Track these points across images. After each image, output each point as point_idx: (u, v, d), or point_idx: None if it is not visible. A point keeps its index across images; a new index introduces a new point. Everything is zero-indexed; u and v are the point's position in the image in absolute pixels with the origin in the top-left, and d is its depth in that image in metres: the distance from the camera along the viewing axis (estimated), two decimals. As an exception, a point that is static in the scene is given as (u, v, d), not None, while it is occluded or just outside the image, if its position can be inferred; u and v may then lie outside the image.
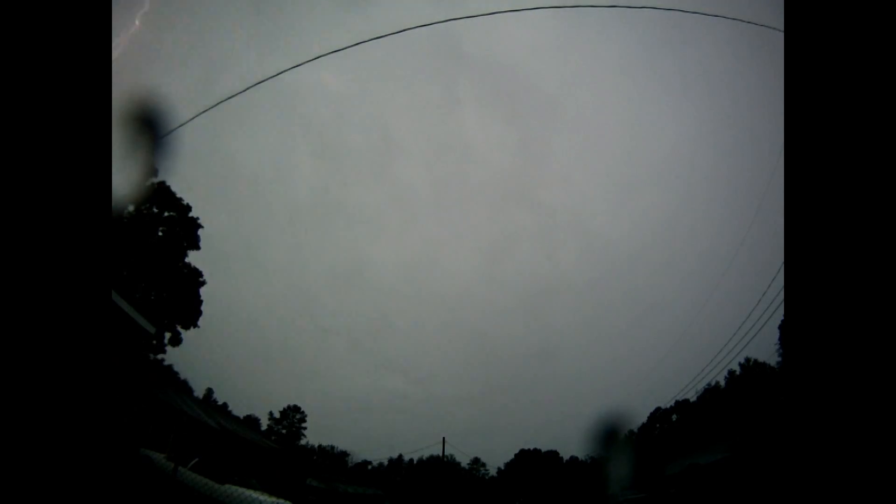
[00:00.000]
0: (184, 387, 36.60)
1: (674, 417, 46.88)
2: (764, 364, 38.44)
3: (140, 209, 24.95)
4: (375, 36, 6.82)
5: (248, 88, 6.87)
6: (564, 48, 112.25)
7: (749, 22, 7.50)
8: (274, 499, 10.83)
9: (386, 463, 68.96)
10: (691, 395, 35.47)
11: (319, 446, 63.86)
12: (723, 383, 41.09)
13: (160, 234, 26.06)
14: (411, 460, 66.36)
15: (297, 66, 6.95)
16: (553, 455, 65.10)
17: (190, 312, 27.12)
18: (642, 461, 32.45)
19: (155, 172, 20.61)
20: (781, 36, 2.44)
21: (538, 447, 65.97)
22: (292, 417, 60.77)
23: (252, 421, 55.42)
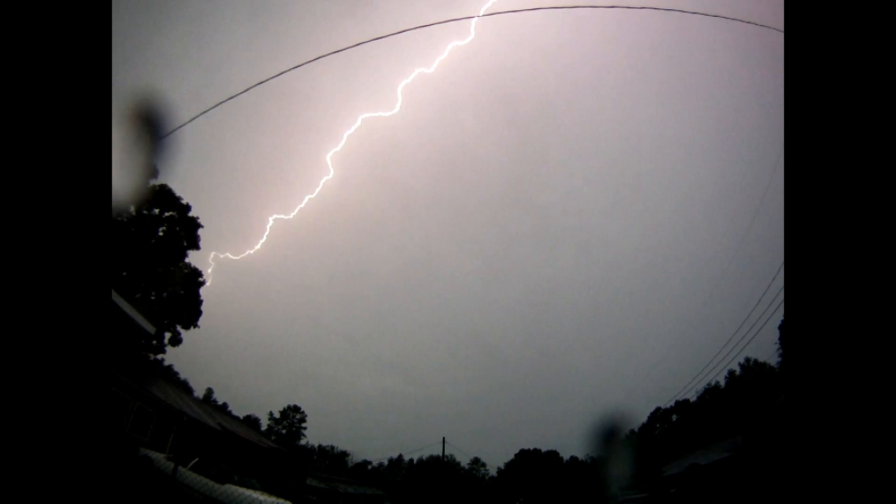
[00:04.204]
0: (184, 387, 36.65)
1: (674, 417, 46.92)
2: (764, 364, 38.53)
3: (140, 210, 24.94)
4: (375, 37, 6.82)
5: (248, 89, 6.88)
6: (563, 50, 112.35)
7: (749, 22, 7.50)
8: (274, 499, 10.84)
9: (386, 463, 69.03)
10: (691, 395, 35.58)
11: (319, 446, 63.94)
12: (723, 383, 41.16)
13: (160, 234, 26.05)
14: (411, 460, 66.40)
15: (297, 66, 6.96)
16: (553, 455, 65.08)
17: (190, 312, 27.12)
18: (642, 461, 32.42)
19: (155, 173, 20.58)
20: (781, 36, 2.44)
21: (538, 447, 66.05)
22: (292, 417, 60.76)
23: (252, 421, 55.43)
